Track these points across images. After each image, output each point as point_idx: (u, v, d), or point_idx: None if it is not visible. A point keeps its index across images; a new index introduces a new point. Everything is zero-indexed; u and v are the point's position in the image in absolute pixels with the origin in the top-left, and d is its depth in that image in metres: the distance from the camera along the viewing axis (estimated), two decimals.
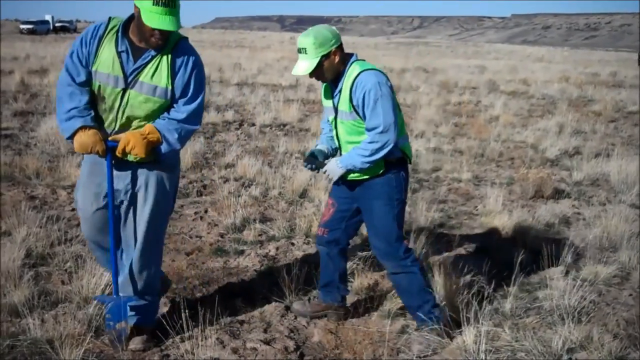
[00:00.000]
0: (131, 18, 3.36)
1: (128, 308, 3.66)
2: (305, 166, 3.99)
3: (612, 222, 6.08)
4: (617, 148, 10.37)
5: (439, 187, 7.85)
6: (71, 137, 3.38)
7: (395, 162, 3.88)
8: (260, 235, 5.88)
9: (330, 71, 3.77)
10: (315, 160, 3.96)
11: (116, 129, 3.47)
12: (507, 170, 8.97)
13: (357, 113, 3.73)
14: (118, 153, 3.39)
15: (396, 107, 3.75)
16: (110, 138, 3.44)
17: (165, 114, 3.49)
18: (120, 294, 3.66)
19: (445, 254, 5.48)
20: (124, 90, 3.38)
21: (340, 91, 3.81)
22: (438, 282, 4.48)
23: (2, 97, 13.05)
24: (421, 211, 6.40)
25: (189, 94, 3.47)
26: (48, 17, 77.19)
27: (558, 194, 7.60)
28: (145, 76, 3.36)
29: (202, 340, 3.72)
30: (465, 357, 3.75)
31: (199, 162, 8.54)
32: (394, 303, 4.40)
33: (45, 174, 7.36)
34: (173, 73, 3.40)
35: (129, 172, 3.54)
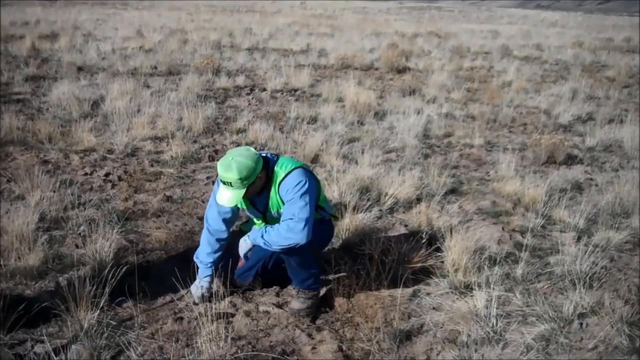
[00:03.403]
0: None
1: None
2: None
3: (624, 188, 6.06)
4: (631, 114, 10.29)
5: (450, 153, 7.82)
6: None
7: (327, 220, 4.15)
8: None
9: (256, 191, 3.79)
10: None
11: None
12: (520, 136, 8.92)
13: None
14: None
15: (314, 199, 3.78)
16: None
17: None
18: None
19: (457, 220, 5.48)
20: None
21: (268, 197, 3.83)
22: (449, 247, 4.49)
23: (13, 62, 13.04)
24: (433, 177, 6.39)
25: None
26: None
27: (571, 160, 7.56)
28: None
29: (215, 303, 3.75)
30: (477, 322, 3.78)
31: (211, 127, 8.53)
32: (405, 268, 4.42)
33: (58, 138, 7.37)
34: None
35: None
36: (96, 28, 22.79)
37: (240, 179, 3.55)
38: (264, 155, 3.82)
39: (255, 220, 4.09)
